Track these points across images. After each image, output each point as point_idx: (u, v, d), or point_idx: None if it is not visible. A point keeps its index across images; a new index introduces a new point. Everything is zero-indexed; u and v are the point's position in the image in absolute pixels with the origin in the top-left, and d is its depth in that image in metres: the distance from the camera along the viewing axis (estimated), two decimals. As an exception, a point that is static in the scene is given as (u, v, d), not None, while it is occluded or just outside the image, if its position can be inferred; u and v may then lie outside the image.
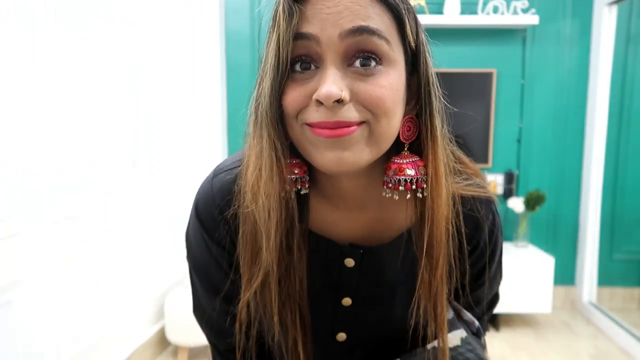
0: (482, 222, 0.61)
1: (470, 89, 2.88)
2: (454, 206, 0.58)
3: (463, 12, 2.83)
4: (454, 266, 0.59)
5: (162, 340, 2.44)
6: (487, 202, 0.62)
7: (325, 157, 0.49)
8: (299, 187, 0.54)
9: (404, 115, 0.53)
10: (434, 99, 0.52)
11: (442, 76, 0.55)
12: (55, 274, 1.71)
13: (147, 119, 2.29)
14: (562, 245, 3.06)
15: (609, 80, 2.84)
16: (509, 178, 2.96)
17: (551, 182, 3.00)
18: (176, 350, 2.43)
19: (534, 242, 3.01)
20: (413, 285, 0.57)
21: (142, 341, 2.29)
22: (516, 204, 2.82)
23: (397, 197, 0.54)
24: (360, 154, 0.49)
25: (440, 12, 2.83)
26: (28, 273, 1.59)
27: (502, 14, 2.77)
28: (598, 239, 2.96)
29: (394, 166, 0.53)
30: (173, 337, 2.27)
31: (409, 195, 0.56)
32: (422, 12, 2.79)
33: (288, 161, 0.52)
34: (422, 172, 0.53)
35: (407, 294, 0.59)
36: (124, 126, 2.11)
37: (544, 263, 2.68)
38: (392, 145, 0.53)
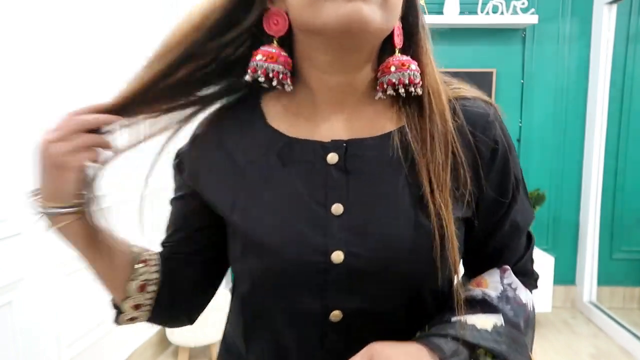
0: (491, 118, 0.58)
1: (470, 89, 2.88)
2: (453, 110, 0.58)
3: (462, 12, 2.83)
4: (465, 175, 0.56)
5: (162, 340, 2.44)
6: (488, 103, 0.60)
7: (342, 8, 0.48)
8: (282, 78, 0.55)
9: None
10: (419, 8, 0.60)
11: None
12: (55, 274, 1.71)
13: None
14: (562, 244, 3.06)
15: (608, 79, 2.84)
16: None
17: (551, 182, 3.00)
18: (176, 350, 2.43)
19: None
20: (416, 196, 0.54)
21: (143, 341, 2.29)
22: (516, 203, 2.82)
23: (384, 97, 0.57)
24: (375, 12, 0.50)
25: (440, 12, 2.83)
26: (28, 273, 1.59)
27: (502, 13, 2.77)
28: (598, 239, 2.96)
29: (395, 62, 0.55)
30: (173, 337, 2.27)
31: (394, 94, 0.57)
32: (422, 11, 2.78)
33: (275, 51, 0.54)
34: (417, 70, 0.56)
35: (411, 208, 0.54)
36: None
37: (544, 262, 2.68)
38: (376, 58, 0.58)
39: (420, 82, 0.56)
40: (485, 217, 0.59)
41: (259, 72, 0.54)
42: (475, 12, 2.82)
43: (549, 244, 3.05)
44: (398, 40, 0.56)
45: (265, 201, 0.56)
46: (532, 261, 0.67)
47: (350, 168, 0.55)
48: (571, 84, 2.94)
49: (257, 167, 0.57)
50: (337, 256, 0.53)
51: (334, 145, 0.56)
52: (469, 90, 0.61)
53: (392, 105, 0.59)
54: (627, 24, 2.85)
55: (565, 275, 3.06)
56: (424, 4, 2.78)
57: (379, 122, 0.58)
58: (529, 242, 0.66)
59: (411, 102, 0.57)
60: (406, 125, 0.56)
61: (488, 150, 0.57)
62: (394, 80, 0.55)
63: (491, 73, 2.87)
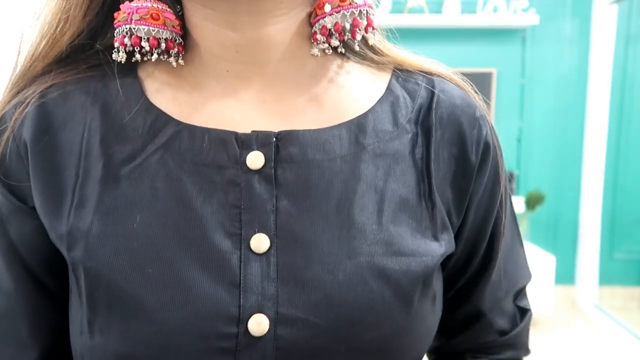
0: (479, 113, 0.41)
1: (470, 89, 2.88)
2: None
3: (462, 11, 2.82)
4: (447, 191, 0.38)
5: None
6: (464, 89, 0.43)
7: None
8: (167, 49, 0.37)
9: None
10: None
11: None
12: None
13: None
14: (562, 244, 3.06)
15: (609, 80, 2.84)
16: (509, 178, 2.95)
17: (551, 182, 3.00)
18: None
19: (535, 242, 3.01)
20: (384, 223, 0.35)
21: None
22: (516, 203, 2.82)
23: (329, 52, 0.38)
24: None
25: (439, 11, 2.83)
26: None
27: (502, 13, 2.77)
28: (599, 239, 2.96)
29: None
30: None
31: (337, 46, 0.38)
32: (422, 11, 2.78)
33: (153, 4, 0.36)
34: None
35: (379, 242, 0.34)
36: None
37: (544, 263, 2.68)
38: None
39: (372, 25, 0.37)
40: (465, 256, 0.42)
41: (128, 42, 0.35)
42: (475, 12, 2.81)
43: (550, 243, 3.05)
44: None
45: (134, 227, 0.33)
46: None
47: (283, 178, 0.35)
48: (571, 85, 2.94)
49: (126, 172, 0.35)
50: (258, 324, 0.32)
51: (259, 140, 0.35)
52: (434, 65, 0.44)
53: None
54: (628, 24, 2.85)
55: (566, 275, 3.06)
56: (424, 4, 2.78)
57: (333, 101, 0.38)
58: (524, 314, 0.47)
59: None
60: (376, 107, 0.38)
61: (477, 156, 0.39)
62: (329, 26, 0.35)
63: (491, 73, 2.87)
